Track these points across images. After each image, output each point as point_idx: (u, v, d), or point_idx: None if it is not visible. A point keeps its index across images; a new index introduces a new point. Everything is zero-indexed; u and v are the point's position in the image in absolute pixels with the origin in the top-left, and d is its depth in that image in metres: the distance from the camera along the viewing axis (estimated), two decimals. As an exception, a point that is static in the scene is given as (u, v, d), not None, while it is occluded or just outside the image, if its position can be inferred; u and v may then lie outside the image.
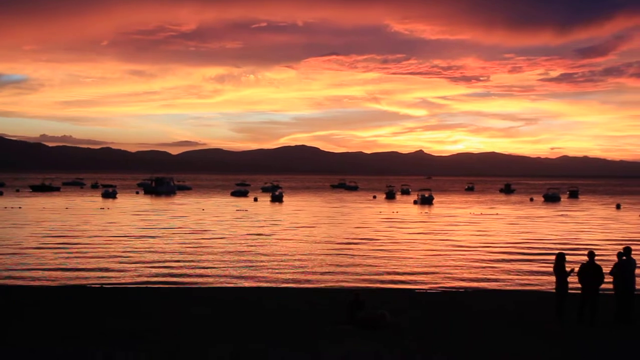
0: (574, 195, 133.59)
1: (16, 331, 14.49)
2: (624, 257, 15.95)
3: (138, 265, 29.92)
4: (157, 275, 27.14)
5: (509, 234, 48.91)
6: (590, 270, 15.66)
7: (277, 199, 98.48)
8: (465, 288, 24.81)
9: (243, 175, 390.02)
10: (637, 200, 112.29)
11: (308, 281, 26.20)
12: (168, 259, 32.08)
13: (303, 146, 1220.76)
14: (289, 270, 28.83)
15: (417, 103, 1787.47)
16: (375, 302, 17.81)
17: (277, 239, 42.44)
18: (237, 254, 34.17)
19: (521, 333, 14.96)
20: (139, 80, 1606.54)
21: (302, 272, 28.37)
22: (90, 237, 42.44)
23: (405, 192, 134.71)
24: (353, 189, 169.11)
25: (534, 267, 30.79)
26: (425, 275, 27.93)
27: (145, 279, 26.06)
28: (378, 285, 25.39)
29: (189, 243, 39.53)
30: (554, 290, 16.62)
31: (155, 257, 32.74)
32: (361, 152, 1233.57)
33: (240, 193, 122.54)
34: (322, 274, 28.15)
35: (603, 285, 15.83)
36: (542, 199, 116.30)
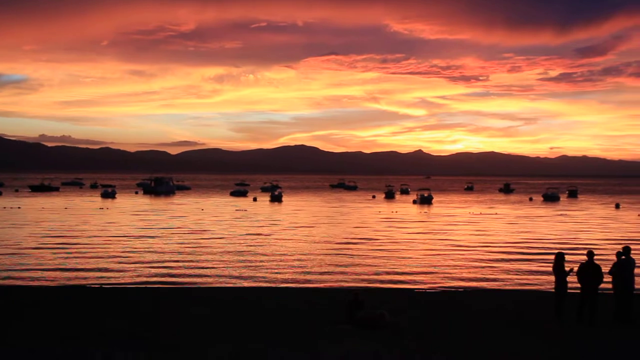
0: (573, 194, 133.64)
1: (16, 331, 14.48)
2: (623, 257, 15.96)
3: (137, 265, 29.91)
4: (156, 275, 27.13)
5: (508, 233, 48.91)
6: (590, 270, 15.67)
7: (276, 198, 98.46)
8: (465, 288, 24.81)
9: (242, 175, 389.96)
10: (636, 200, 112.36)
11: (307, 281, 26.19)
12: (167, 259, 32.06)
13: (302, 146, 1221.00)
14: (288, 270, 28.82)
15: (416, 103, 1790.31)
16: (374, 301, 17.81)
17: (277, 239, 42.43)
18: (236, 254, 34.16)
19: (520, 333, 14.96)
20: (138, 80, 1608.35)
21: (302, 272, 28.36)
22: (89, 237, 42.42)
23: (405, 192, 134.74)
24: (352, 188, 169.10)
25: (533, 266, 30.79)
26: (424, 275, 27.92)
27: (145, 279, 26.05)
28: (377, 285, 25.39)
29: (188, 243, 39.52)
30: (553, 290, 16.62)
31: (155, 257, 32.73)
32: (360, 151, 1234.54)
33: (240, 193, 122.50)
34: (321, 273, 28.15)
35: (602, 285, 15.84)
36: (542, 198, 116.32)
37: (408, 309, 18.14)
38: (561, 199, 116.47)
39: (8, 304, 18.75)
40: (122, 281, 25.65)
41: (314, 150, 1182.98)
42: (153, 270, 28.27)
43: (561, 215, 72.06)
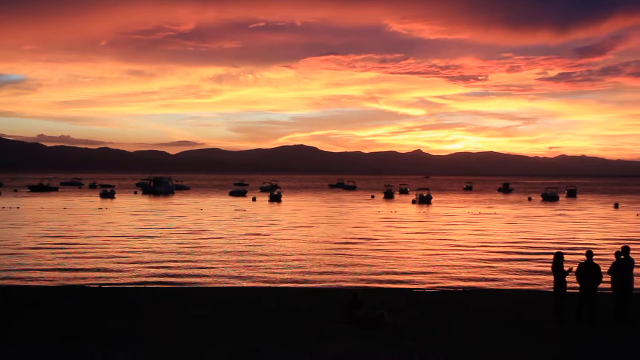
0: (572, 194, 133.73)
1: (15, 331, 14.48)
2: (622, 257, 15.97)
3: (136, 265, 29.89)
4: (155, 275, 27.12)
5: (507, 233, 48.93)
6: (589, 270, 15.68)
7: (275, 198, 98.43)
8: (464, 287, 24.81)
9: (241, 175, 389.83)
10: (635, 200, 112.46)
11: (306, 281, 26.19)
12: (166, 259, 32.05)
13: (301, 146, 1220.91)
14: (287, 270, 28.82)
15: (415, 102, 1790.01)
16: (373, 301, 17.80)
17: (276, 239, 42.42)
18: (235, 254, 34.15)
19: (519, 332, 14.97)
20: (137, 80, 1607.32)
21: (301, 272, 28.36)
22: (88, 237, 42.40)
23: (404, 192, 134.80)
24: (351, 188, 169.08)
25: (532, 266, 30.80)
26: (423, 275, 27.93)
27: (144, 279, 26.04)
28: (376, 285, 25.38)
29: (187, 243, 39.51)
30: (552, 290, 16.63)
31: (154, 257, 32.72)
32: (359, 151, 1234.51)
33: (239, 193, 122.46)
34: (321, 273, 28.15)
35: (601, 285, 15.85)
36: (540, 198, 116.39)
37: (407, 308, 18.14)
38: (560, 198, 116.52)
39: (8, 304, 18.74)
40: (121, 281, 25.63)
41: (313, 150, 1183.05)
42: (152, 270, 28.26)
43: (560, 215, 72.10)
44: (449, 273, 28.57)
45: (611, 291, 16.16)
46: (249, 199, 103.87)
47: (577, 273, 15.84)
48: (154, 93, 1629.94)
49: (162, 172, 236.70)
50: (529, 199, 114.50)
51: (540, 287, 24.92)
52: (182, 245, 37.97)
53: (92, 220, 56.16)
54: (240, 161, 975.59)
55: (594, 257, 16.05)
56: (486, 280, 26.94)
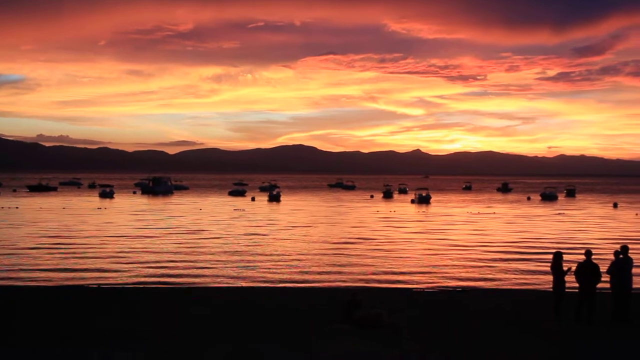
0: (571, 194, 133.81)
1: (15, 331, 14.48)
2: (621, 256, 15.98)
3: (135, 265, 29.89)
4: (154, 275, 27.12)
5: (506, 233, 48.96)
6: (588, 269, 15.69)
7: (274, 198, 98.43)
8: (463, 287, 24.81)
9: (240, 174, 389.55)
10: (634, 199, 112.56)
11: (305, 281, 26.19)
12: (165, 259, 32.05)
13: (300, 145, 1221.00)
14: (286, 270, 28.82)
15: (414, 102, 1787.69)
16: (372, 301, 17.80)
17: (275, 239, 42.43)
18: (234, 254, 34.15)
19: (519, 332, 14.98)
20: (136, 80, 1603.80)
21: (300, 272, 28.37)
22: (87, 237, 42.39)
23: (403, 192, 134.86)
24: (350, 188, 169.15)
25: (532, 266, 30.82)
26: (422, 275, 27.94)
27: (143, 279, 26.03)
28: (375, 284, 25.39)
29: (186, 243, 39.51)
30: (551, 289, 16.64)
31: (153, 257, 32.72)
32: (358, 151, 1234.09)
33: (238, 192, 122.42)
34: (320, 273, 28.16)
35: (600, 284, 15.86)
36: (540, 197, 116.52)
37: (406, 308, 18.15)
38: (559, 198, 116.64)
39: (7, 304, 18.74)
40: (121, 281, 25.63)
41: (312, 149, 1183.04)
42: (151, 270, 28.26)
43: (559, 214, 72.15)
44: (448, 273, 28.59)
45: (610, 291, 16.17)
46: (248, 198, 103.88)
47: (576, 273, 15.84)
48: (153, 93, 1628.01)
49: (161, 172, 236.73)
50: (528, 198, 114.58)
51: (540, 286, 24.94)
52: (181, 245, 37.97)
53: (91, 220, 56.15)
54: (239, 161, 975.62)
55: (593, 256, 16.05)
56: (485, 279, 26.96)
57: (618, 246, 17.16)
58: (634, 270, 16.33)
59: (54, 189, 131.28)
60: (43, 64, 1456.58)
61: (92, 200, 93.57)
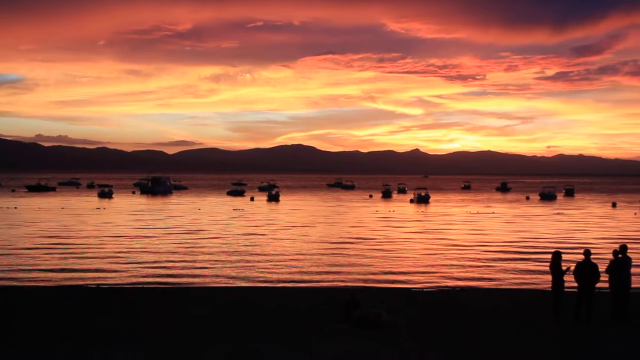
0: (569, 193, 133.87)
1: (15, 332, 14.48)
2: (620, 255, 16.00)
3: (134, 265, 29.89)
4: (153, 275, 27.12)
5: (505, 232, 48.99)
6: (587, 269, 15.70)
7: (273, 198, 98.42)
8: (462, 287, 24.83)
9: (239, 174, 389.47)
10: (632, 199, 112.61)
11: (304, 281, 26.21)
12: (164, 259, 32.05)
13: (299, 145, 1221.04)
14: (285, 270, 28.83)
15: (413, 102, 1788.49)
16: (371, 301, 17.82)
17: (274, 239, 42.44)
18: (233, 254, 34.15)
19: (518, 332, 15.00)
20: (135, 79, 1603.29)
21: (299, 272, 28.37)
22: (86, 237, 42.37)
23: (402, 191, 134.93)
24: (349, 188, 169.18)
25: (530, 265, 30.84)
26: (421, 274, 27.96)
27: (142, 279, 26.03)
28: (374, 284, 25.40)
29: (185, 243, 39.50)
30: (550, 289, 16.65)
31: (152, 257, 32.71)
32: (357, 151, 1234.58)
33: (237, 192, 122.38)
34: (319, 273, 28.17)
35: (599, 284, 15.87)
36: (538, 197, 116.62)
37: (405, 308, 18.16)
38: (558, 197, 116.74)
39: (7, 304, 18.73)
40: (120, 281, 25.63)
41: (311, 149, 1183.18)
42: (150, 271, 28.25)
43: (558, 214, 72.19)
44: (447, 272, 28.60)
45: (609, 290, 16.19)
46: (247, 198, 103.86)
47: (575, 272, 15.86)
48: (152, 93, 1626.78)
49: (160, 171, 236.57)
50: (527, 198, 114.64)
51: (539, 286, 24.96)
52: (180, 245, 37.96)
53: (90, 220, 56.12)
54: (238, 161, 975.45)
55: (592, 256, 16.07)
56: (484, 279, 26.98)
57: (617, 246, 17.19)
58: (632, 269, 16.35)
59: (53, 189, 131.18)
60: (41, 64, 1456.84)
61: (91, 200, 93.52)
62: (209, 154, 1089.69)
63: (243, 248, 36.85)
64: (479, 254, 35.20)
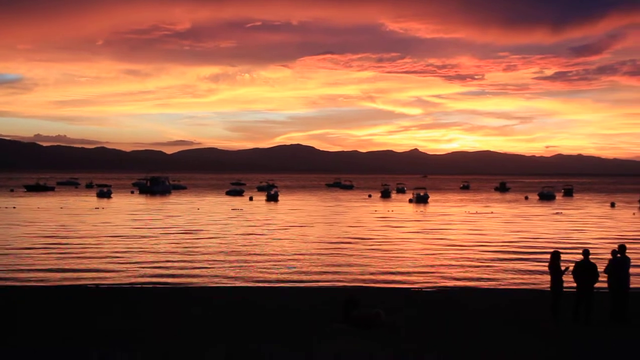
0: (568, 193, 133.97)
1: (16, 331, 14.47)
2: (619, 255, 16.01)
3: (133, 265, 29.88)
4: (152, 275, 27.11)
5: (504, 232, 49.01)
6: (585, 269, 15.72)
7: (272, 198, 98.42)
8: (461, 287, 24.84)
9: (238, 174, 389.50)
10: (631, 199, 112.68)
11: (303, 281, 26.21)
12: (163, 259, 32.04)
13: (298, 145, 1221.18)
14: (284, 270, 28.82)
15: (412, 102, 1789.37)
16: (370, 301, 17.83)
17: (272, 238, 42.44)
18: (232, 254, 34.14)
19: (517, 331, 15.01)
20: (133, 79, 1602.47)
21: (297, 272, 28.37)
22: (84, 237, 42.35)
23: (401, 191, 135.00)
24: (348, 187, 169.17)
25: (529, 265, 30.85)
26: (420, 274, 27.96)
27: (141, 279, 26.03)
28: (373, 284, 25.41)
29: (184, 243, 39.49)
30: (549, 289, 16.67)
31: (150, 257, 32.70)
32: (356, 150, 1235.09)
33: (236, 192, 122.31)
34: (317, 273, 28.17)
35: (598, 284, 15.89)
36: (537, 197, 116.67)
37: (404, 308, 18.18)
38: (557, 197, 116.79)
39: (6, 304, 18.73)
40: (118, 281, 25.62)
41: (310, 149, 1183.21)
42: (149, 271, 28.25)
43: (557, 214, 72.23)
44: (446, 272, 28.62)
45: (608, 290, 16.21)
46: (245, 198, 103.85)
47: (574, 272, 15.88)
48: (151, 92, 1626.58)
49: (158, 171, 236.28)
50: (526, 198, 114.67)
51: (537, 286, 24.98)
52: (178, 245, 37.95)
53: (89, 220, 56.09)
54: (237, 160, 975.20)
55: (591, 256, 16.09)
56: (483, 279, 26.99)
57: (615, 245, 17.21)
58: (631, 269, 16.37)
59: (52, 189, 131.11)
60: (40, 64, 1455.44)
61: (90, 200, 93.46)
62: (208, 153, 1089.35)
63: (242, 248, 36.85)
64: (477, 254, 35.21)
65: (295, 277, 27.05)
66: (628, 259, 16.12)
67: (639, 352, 13.24)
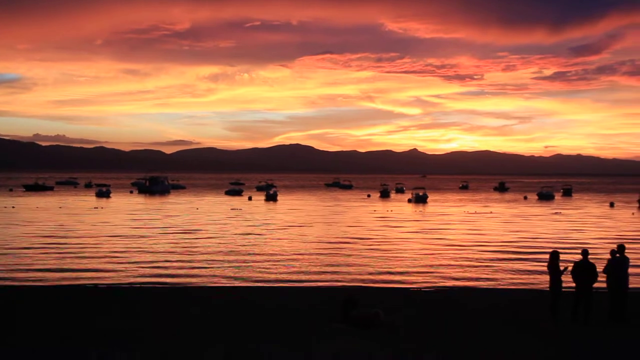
0: (567, 193, 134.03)
1: (14, 331, 14.46)
2: (618, 255, 16.02)
3: (132, 265, 29.86)
4: (151, 275, 27.09)
5: (503, 232, 49.00)
6: (584, 269, 15.72)
7: (271, 197, 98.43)
8: (460, 287, 24.84)
9: (237, 174, 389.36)
10: (630, 199, 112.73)
11: (302, 280, 26.19)
12: (162, 258, 32.02)
13: (297, 145, 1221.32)
14: (282, 270, 28.81)
15: (411, 102, 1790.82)
16: (369, 300, 17.82)
17: (271, 238, 42.42)
18: (231, 254, 34.12)
19: (516, 331, 15.01)
20: (132, 79, 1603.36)
21: (296, 271, 28.36)
22: (83, 236, 42.32)
23: (400, 191, 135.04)
24: (347, 187, 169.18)
25: (528, 265, 30.86)
26: (419, 274, 27.95)
27: (140, 279, 26.01)
28: (372, 284, 25.40)
29: (183, 242, 39.47)
30: (548, 289, 16.67)
31: (149, 256, 32.68)
32: (355, 150, 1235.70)
33: (235, 192, 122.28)
34: (316, 273, 28.16)
35: (597, 284, 15.89)
36: (536, 197, 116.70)
37: (403, 307, 18.17)
38: (556, 197, 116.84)
39: (6, 304, 18.72)
40: (117, 281, 25.59)
41: (309, 149, 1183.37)
42: (148, 270, 28.23)
43: (556, 213, 72.25)
44: (445, 272, 28.61)
45: (606, 290, 16.21)
46: (245, 198, 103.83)
47: (573, 272, 15.88)
48: (150, 92, 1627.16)
49: (158, 171, 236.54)
50: (525, 197, 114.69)
51: (536, 286, 24.98)
52: (177, 245, 37.93)
53: (88, 220, 56.07)
54: (236, 160, 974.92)
55: (590, 256, 16.09)
56: (482, 279, 26.99)
57: (614, 245, 17.21)
58: (630, 269, 16.37)
59: (51, 189, 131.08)
60: (39, 63, 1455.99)
61: (89, 200, 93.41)
62: (207, 153, 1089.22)
63: (241, 248, 36.83)
64: (476, 253, 35.21)
65: (294, 276, 27.04)
66: (627, 259, 16.12)
67: (637, 352, 13.25)
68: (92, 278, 26.05)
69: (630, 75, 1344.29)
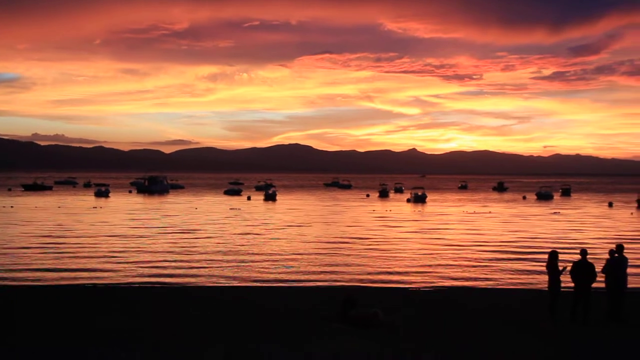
0: (566, 193, 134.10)
1: (13, 331, 14.46)
2: (616, 255, 16.04)
3: (131, 264, 29.85)
4: (150, 275, 27.09)
5: (502, 232, 49.03)
6: (583, 269, 15.74)
7: (270, 197, 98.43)
8: (459, 286, 24.85)
9: (236, 174, 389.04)
10: (629, 198, 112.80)
11: (300, 280, 26.20)
12: (161, 258, 32.02)
13: (296, 145, 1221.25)
14: (281, 269, 28.82)
15: (410, 101, 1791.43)
16: (368, 300, 17.83)
17: (270, 238, 42.42)
18: (230, 253, 34.13)
19: (515, 331, 15.03)
20: (131, 79, 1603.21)
21: (295, 271, 28.37)
22: (82, 236, 42.30)
23: (399, 191, 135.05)
24: (346, 187, 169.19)
25: (527, 265, 30.88)
26: (418, 274, 27.97)
27: (138, 279, 26.01)
28: (371, 284, 25.41)
29: (182, 242, 39.46)
30: (547, 289, 16.69)
31: (148, 256, 32.68)
32: (354, 150, 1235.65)
33: (234, 192, 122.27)
34: (315, 272, 28.17)
35: (595, 284, 15.90)
36: (535, 197, 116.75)
37: (402, 307, 18.18)
38: (555, 197, 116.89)
39: (6, 304, 18.71)
40: (116, 281, 25.59)
41: (308, 149, 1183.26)
42: (147, 270, 28.22)
43: (555, 213, 72.28)
44: (444, 272, 28.63)
45: (605, 290, 16.23)
46: (243, 197, 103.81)
47: (572, 272, 15.90)
48: (149, 92, 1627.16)
49: (156, 171, 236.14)
50: (524, 197, 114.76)
51: (535, 286, 24.99)
52: (176, 245, 37.93)
53: (87, 220, 56.04)
54: (235, 160, 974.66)
55: (588, 256, 16.11)
56: (481, 279, 27.01)
57: (613, 245, 17.23)
58: (629, 269, 16.40)
59: (49, 188, 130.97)
60: (38, 63, 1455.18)
61: (88, 200, 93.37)
62: (206, 153, 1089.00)
63: (240, 247, 36.83)
64: (475, 253, 35.23)
65: (293, 276, 27.04)
66: (625, 259, 16.14)
67: (636, 352, 13.27)
68: (91, 278, 26.04)
69: (629, 75, 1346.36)
